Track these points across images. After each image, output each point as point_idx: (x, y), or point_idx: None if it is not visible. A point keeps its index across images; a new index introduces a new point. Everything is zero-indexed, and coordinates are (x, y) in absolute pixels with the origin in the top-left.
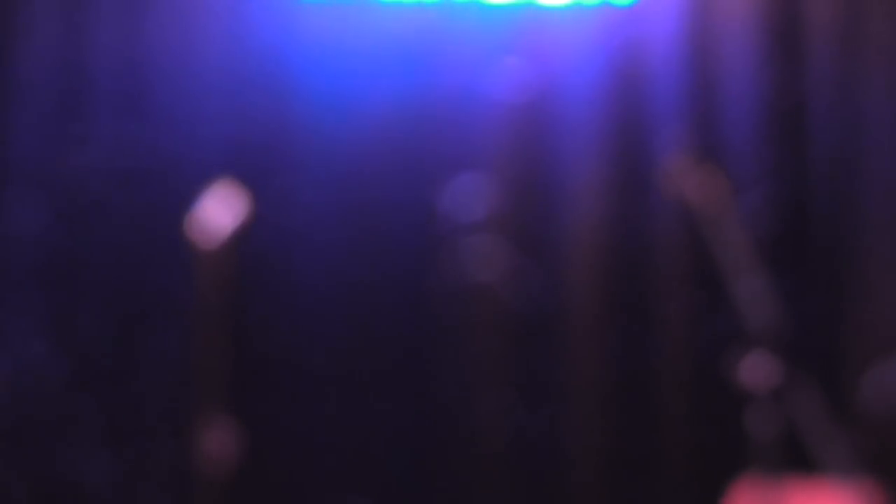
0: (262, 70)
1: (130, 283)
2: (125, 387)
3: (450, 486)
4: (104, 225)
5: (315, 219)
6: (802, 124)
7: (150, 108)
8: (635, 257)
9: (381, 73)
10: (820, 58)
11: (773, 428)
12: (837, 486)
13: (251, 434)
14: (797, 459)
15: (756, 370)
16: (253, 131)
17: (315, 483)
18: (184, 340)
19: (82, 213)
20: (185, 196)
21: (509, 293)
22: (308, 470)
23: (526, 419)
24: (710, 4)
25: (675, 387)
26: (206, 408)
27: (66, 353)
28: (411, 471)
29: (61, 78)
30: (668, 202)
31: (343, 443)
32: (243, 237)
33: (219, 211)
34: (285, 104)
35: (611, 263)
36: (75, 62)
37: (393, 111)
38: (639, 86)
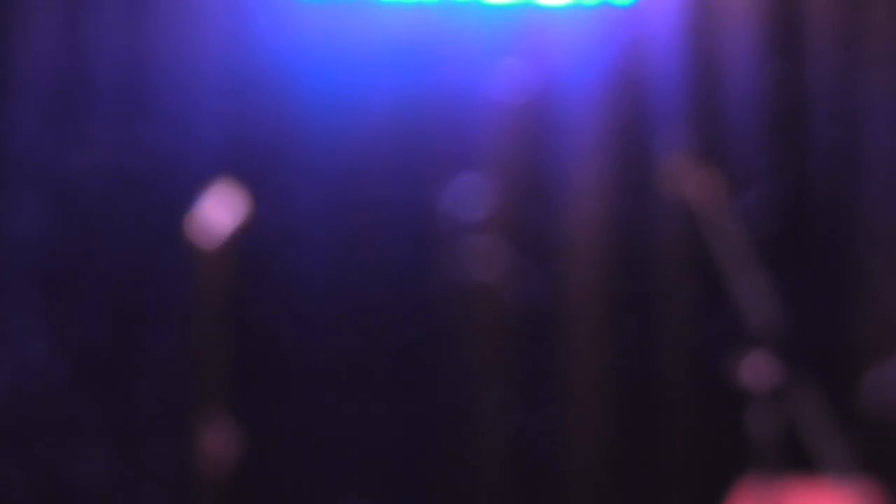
0: (261, 70)
1: (130, 283)
2: (125, 387)
3: (450, 486)
4: (104, 225)
5: (315, 218)
6: (802, 123)
7: (150, 109)
8: (635, 257)
9: (381, 73)
10: (820, 56)
11: (773, 428)
12: (837, 486)
13: (251, 434)
14: (797, 459)
15: (756, 370)
16: (253, 131)
17: (315, 483)
18: (184, 340)
19: (82, 213)
20: (185, 196)
21: (509, 293)
22: (308, 470)
23: (526, 419)
24: (710, 4)
25: (675, 386)
26: (206, 408)
27: (67, 353)
28: (411, 471)
29: (61, 78)
30: (668, 202)
31: (343, 442)
32: (243, 237)
33: (219, 211)
34: (285, 104)
35: (610, 263)
36: (75, 62)
37: (393, 111)
38: (639, 85)
